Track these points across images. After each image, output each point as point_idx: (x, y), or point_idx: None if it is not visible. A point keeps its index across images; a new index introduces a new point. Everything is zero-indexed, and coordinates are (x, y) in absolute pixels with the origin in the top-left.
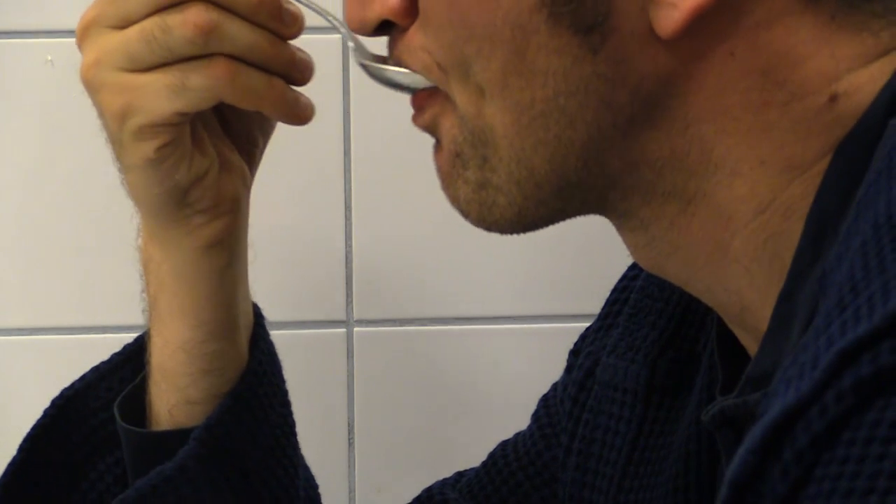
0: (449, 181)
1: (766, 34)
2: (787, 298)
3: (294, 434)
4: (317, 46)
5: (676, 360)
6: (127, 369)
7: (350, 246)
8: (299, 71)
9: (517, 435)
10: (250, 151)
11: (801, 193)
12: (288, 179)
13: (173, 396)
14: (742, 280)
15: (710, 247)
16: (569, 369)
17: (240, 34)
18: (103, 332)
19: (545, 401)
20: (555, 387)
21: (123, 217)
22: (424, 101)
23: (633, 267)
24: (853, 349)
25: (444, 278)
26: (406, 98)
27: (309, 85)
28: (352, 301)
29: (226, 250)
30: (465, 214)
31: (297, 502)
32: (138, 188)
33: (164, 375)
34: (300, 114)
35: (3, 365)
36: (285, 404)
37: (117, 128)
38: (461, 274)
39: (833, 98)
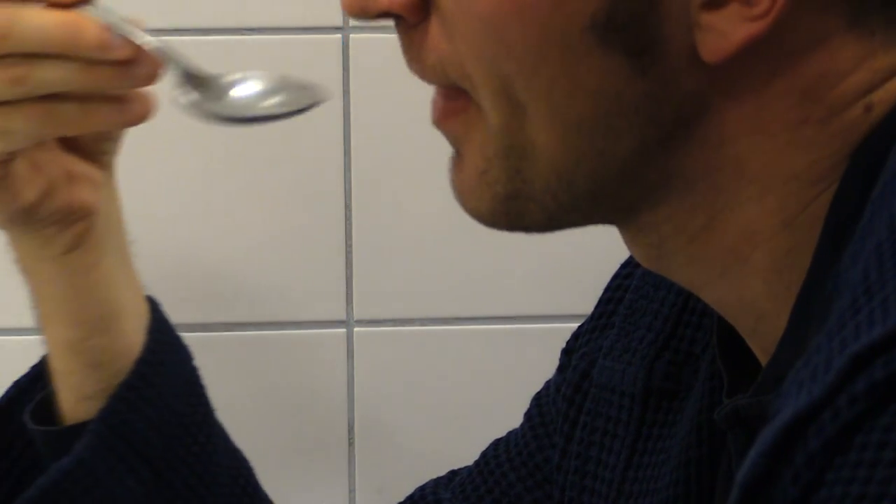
0: (471, 196)
1: (809, 56)
2: (805, 299)
3: (207, 421)
4: (317, 46)
5: (673, 362)
6: (45, 377)
7: (350, 246)
8: (129, 80)
9: (510, 434)
10: (100, 157)
11: (828, 202)
12: (288, 179)
13: (71, 395)
14: (759, 290)
15: (729, 259)
16: (562, 368)
17: (50, 76)
18: None
19: (538, 399)
20: (548, 385)
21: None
22: (452, 103)
23: (627, 265)
24: (867, 353)
25: (445, 278)
26: (406, 99)
27: None
28: (352, 301)
29: (90, 251)
30: (490, 224)
31: (216, 488)
32: None
33: (58, 375)
34: (134, 119)
35: (2, 365)
36: (193, 392)
37: None
38: (461, 274)
39: (868, 108)
